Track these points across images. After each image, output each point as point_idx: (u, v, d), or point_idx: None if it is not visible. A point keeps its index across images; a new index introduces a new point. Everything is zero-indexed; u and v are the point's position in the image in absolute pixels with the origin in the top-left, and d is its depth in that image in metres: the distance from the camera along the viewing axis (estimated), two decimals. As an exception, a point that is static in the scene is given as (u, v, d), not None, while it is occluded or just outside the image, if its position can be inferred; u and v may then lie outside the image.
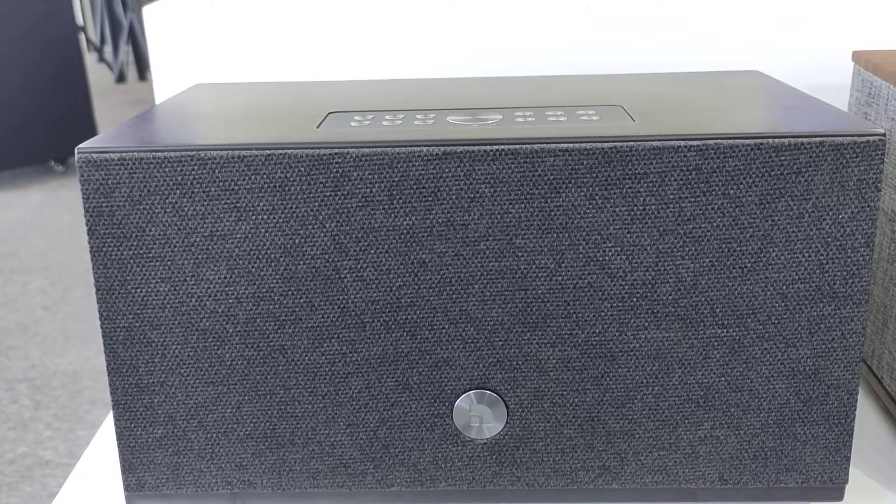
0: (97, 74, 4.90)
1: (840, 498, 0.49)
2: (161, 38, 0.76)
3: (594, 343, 0.46)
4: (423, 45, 0.76)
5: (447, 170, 0.44)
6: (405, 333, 0.46)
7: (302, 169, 0.44)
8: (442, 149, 0.43)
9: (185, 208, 0.44)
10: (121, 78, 4.80)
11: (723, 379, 0.46)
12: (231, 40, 0.76)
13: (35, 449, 1.61)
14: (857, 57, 0.62)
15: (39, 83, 3.07)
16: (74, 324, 2.07)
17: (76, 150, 0.44)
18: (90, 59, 5.10)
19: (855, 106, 0.63)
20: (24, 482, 1.52)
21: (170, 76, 0.77)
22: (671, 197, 0.44)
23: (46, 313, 2.13)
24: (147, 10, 0.76)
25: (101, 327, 0.46)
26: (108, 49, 5.03)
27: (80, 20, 4.79)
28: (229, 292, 0.46)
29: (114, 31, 4.89)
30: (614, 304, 0.45)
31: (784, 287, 0.45)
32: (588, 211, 0.44)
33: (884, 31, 0.73)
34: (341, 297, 0.46)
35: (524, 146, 0.43)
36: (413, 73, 0.76)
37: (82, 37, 3.94)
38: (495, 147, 0.43)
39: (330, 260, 0.45)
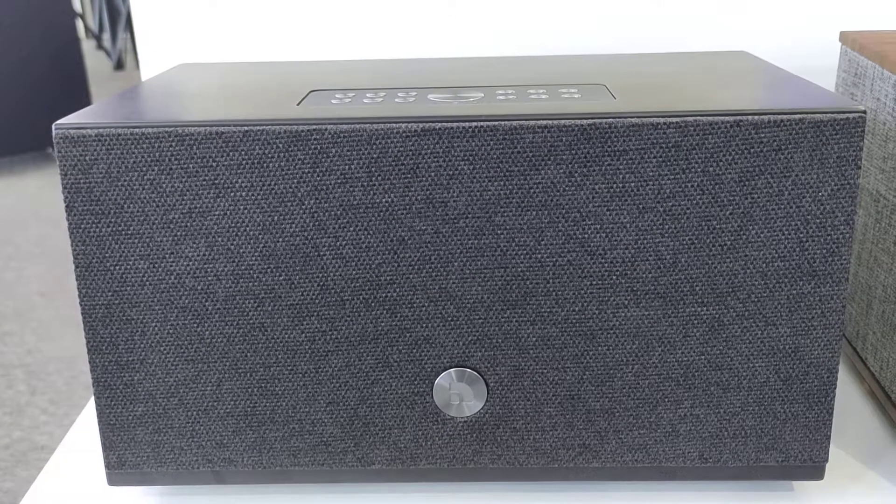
0: (95, 61, 4.89)
1: (820, 477, 0.49)
2: (148, 21, 0.76)
3: (574, 321, 0.46)
4: (409, 27, 0.75)
5: (426, 146, 0.43)
6: (385, 311, 0.46)
7: (280, 145, 0.43)
8: (421, 125, 0.43)
9: (164, 185, 0.44)
10: (119, 65, 4.78)
11: (703, 357, 0.46)
12: (219, 23, 0.76)
13: (30, 434, 1.61)
14: (844, 37, 0.61)
15: (37, 70, 3.06)
16: (70, 310, 2.07)
17: (53, 126, 0.44)
18: (88, 46, 5.08)
19: (842, 86, 0.62)
20: (19, 466, 1.52)
21: (158, 59, 0.77)
22: (651, 174, 0.43)
23: (43, 299, 2.13)
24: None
25: (81, 305, 0.46)
26: (106, 36, 5.01)
27: (78, 7, 4.77)
28: (208, 269, 0.45)
29: (112, 18, 4.87)
30: (594, 282, 0.45)
31: (764, 265, 0.45)
32: (567, 188, 0.44)
33: (872, 13, 0.73)
34: (320, 275, 0.45)
35: (503, 123, 0.43)
36: (397, 55, 0.76)
37: (80, 23, 3.93)
38: (474, 124, 0.43)
39: (309, 237, 0.45)
